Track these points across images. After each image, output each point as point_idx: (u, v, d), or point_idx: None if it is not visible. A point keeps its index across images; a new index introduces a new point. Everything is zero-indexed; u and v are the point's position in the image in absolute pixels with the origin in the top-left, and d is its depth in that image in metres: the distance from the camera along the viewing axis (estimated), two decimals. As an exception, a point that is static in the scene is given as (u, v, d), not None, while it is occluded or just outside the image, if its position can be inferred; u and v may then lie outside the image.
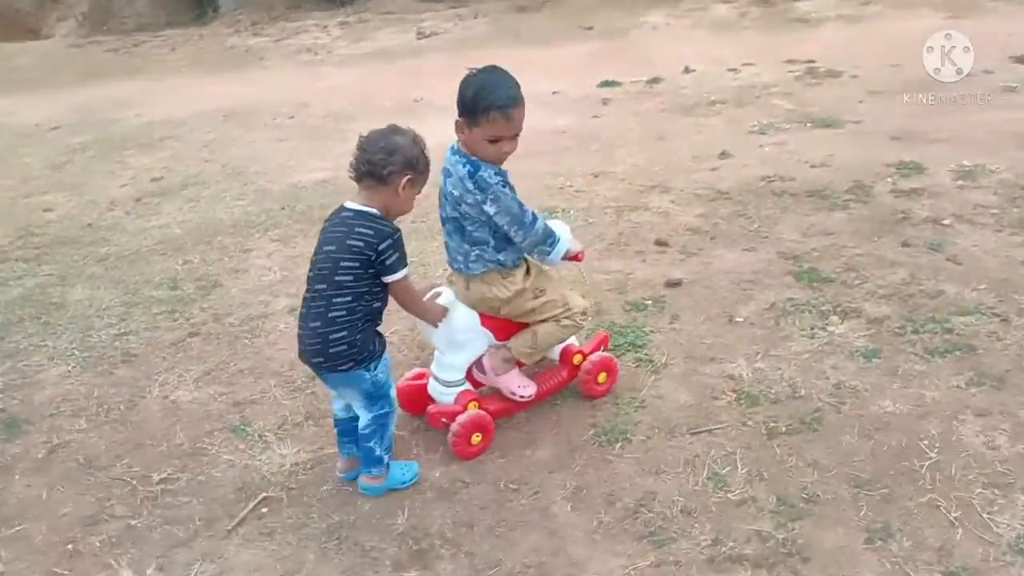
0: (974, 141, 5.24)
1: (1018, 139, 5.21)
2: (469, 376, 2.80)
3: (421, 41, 10.74)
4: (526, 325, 2.74)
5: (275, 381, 3.26)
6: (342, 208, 2.39)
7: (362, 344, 2.36)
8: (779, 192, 4.72)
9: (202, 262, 4.42)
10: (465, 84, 2.47)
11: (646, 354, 3.19)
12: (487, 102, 2.41)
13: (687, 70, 7.82)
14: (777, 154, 5.39)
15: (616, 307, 3.58)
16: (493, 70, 2.53)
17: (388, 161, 2.31)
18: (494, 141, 2.47)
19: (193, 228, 4.93)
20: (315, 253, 2.39)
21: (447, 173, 2.57)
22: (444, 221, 2.64)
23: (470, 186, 2.48)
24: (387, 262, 2.31)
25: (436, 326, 2.61)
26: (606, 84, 7.61)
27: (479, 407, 2.70)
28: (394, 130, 2.40)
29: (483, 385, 2.86)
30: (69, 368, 3.47)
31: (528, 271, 2.70)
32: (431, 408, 2.75)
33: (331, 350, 2.34)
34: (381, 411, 2.48)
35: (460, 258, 2.64)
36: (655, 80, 7.61)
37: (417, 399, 2.85)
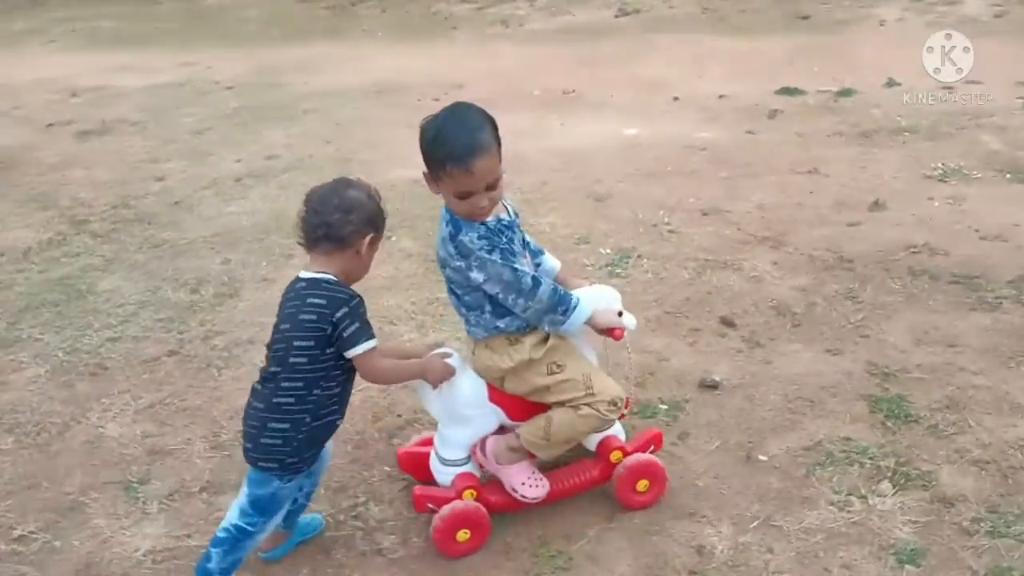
0: None
1: None
2: (474, 454, 2.39)
3: (619, 19, 9.99)
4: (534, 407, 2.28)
5: (206, 431, 2.93)
6: (296, 279, 2.08)
7: (298, 448, 2.05)
8: (919, 270, 3.68)
9: (239, 264, 4.20)
10: (422, 133, 2.13)
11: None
12: (442, 155, 2.07)
13: (890, 83, 6.53)
14: (946, 213, 4.26)
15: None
16: (453, 112, 2.14)
17: (346, 220, 2.03)
18: (463, 197, 2.10)
19: (258, 221, 4.73)
20: (273, 330, 2.07)
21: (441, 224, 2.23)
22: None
23: (451, 250, 2.15)
24: (345, 334, 1.99)
25: (434, 387, 2.25)
26: (785, 91, 6.54)
27: (476, 497, 2.29)
28: (346, 184, 2.10)
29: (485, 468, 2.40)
30: (41, 372, 3.36)
31: (546, 340, 2.24)
32: (417, 488, 2.37)
33: (263, 440, 2.03)
34: (252, 526, 2.09)
35: (462, 321, 2.32)
36: (846, 92, 6.42)
37: (419, 469, 2.48)
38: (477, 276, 2.13)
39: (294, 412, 2.01)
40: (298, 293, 2.03)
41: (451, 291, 2.27)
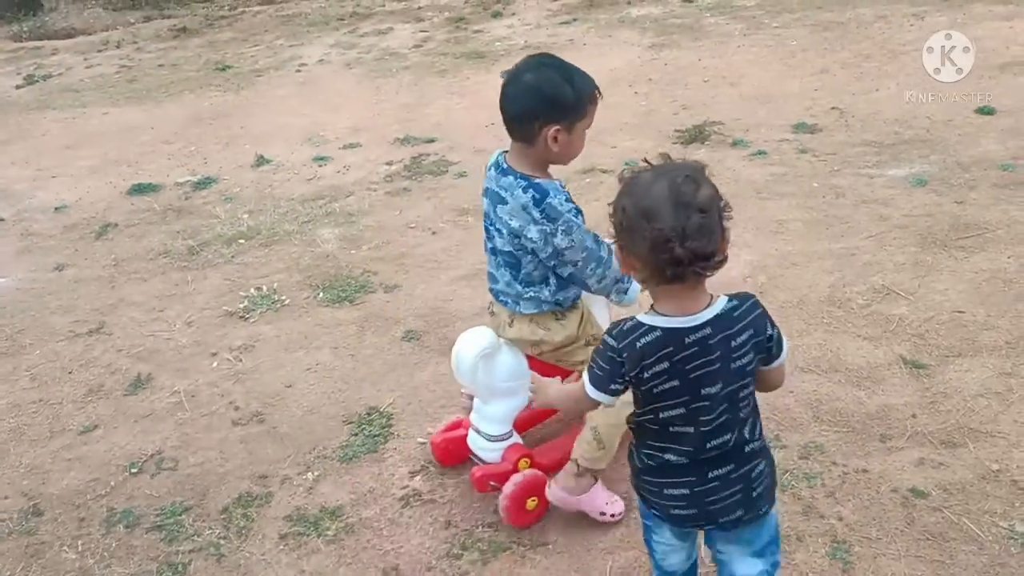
0: None
1: None
2: (534, 462, 2.37)
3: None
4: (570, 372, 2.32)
5: None
6: (673, 333, 1.52)
7: (773, 467, 1.69)
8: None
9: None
10: (544, 82, 1.98)
11: None
12: (589, 86, 2.02)
13: (260, 161, 5.57)
14: (221, 378, 3.23)
15: None
16: (549, 57, 2.08)
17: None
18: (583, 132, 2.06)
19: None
20: (668, 404, 1.57)
21: (496, 198, 2.10)
22: (492, 252, 2.21)
23: (536, 215, 2.03)
24: (773, 348, 1.60)
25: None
26: (139, 190, 5.27)
27: (531, 464, 2.35)
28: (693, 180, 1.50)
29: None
30: None
31: (583, 315, 2.26)
32: (476, 470, 2.37)
33: (754, 493, 1.63)
34: (775, 561, 1.71)
35: (511, 294, 2.21)
36: (205, 182, 5.32)
37: (455, 452, 2.52)
38: (561, 241, 2.05)
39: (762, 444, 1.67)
40: (706, 344, 1.54)
41: (508, 265, 2.17)
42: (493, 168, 2.12)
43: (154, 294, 3.94)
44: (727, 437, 1.59)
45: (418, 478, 2.61)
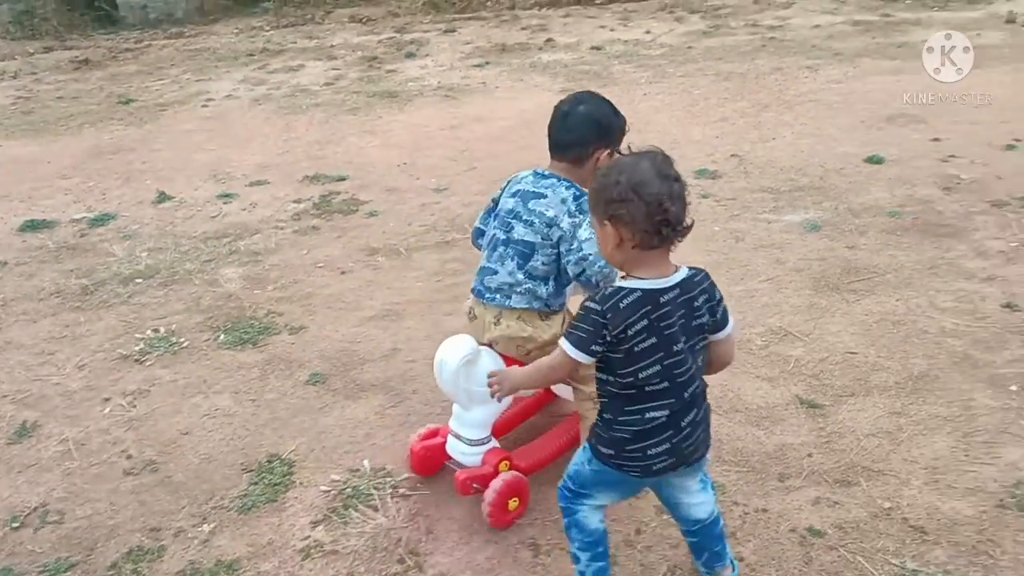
0: None
1: None
2: (513, 464, 2.49)
3: None
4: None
5: None
6: (650, 293, 1.82)
7: None
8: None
9: None
10: (602, 114, 2.41)
11: None
12: (620, 118, 2.44)
13: (162, 197, 5.40)
14: (112, 426, 3.07)
15: None
16: (591, 93, 2.52)
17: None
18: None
19: None
20: (646, 363, 1.84)
21: (531, 196, 2.41)
22: (502, 244, 2.44)
23: (572, 208, 2.36)
24: (718, 316, 1.92)
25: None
26: (31, 226, 5.03)
27: (510, 466, 2.47)
28: (666, 159, 1.88)
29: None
30: None
31: (564, 317, 2.49)
32: (460, 474, 2.46)
33: (709, 426, 1.99)
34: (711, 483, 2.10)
35: (502, 288, 2.43)
36: (102, 219, 5.13)
37: (431, 462, 2.62)
38: (583, 232, 2.32)
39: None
40: (676, 303, 1.87)
41: (518, 255, 2.39)
42: (531, 175, 2.44)
43: (43, 336, 3.75)
44: (697, 384, 1.90)
45: (320, 528, 2.53)
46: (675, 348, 1.84)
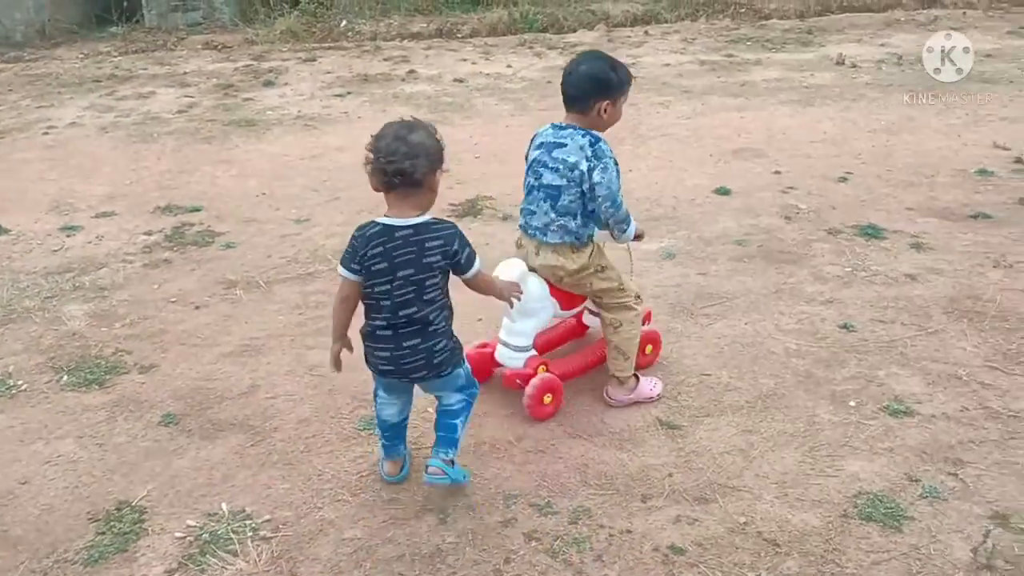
0: None
1: None
2: (549, 369, 3.06)
3: None
4: (583, 298, 3.15)
5: None
6: (388, 228, 2.35)
7: (456, 344, 2.51)
8: None
9: None
10: (598, 70, 2.87)
11: None
12: (627, 75, 2.90)
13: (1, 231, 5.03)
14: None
15: None
16: (598, 51, 3.21)
17: (419, 165, 2.31)
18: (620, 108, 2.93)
19: None
20: (379, 281, 2.36)
21: (554, 145, 2.89)
22: (535, 189, 2.92)
23: (588, 153, 2.81)
24: (462, 261, 2.40)
25: (512, 304, 2.80)
26: None
27: (547, 370, 3.03)
28: (409, 128, 2.35)
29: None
30: None
31: (593, 249, 2.96)
32: (506, 371, 3.07)
33: (435, 360, 2.44)
34: (472, 392, 2.62)
35: (540, 226, 2.93)
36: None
37: (482, 367, 3.11)
38: (597, 176, 2.81)
39: (444, 329, 2.46)
40: (407, 240, 2.33)
41: (549, 197, 2.89)
42: (551, 128, 2.93)
43: None
44: (413, 310, 2.36)
45: (175, 577, 2.40)
46: (399, 274, 2.32)
